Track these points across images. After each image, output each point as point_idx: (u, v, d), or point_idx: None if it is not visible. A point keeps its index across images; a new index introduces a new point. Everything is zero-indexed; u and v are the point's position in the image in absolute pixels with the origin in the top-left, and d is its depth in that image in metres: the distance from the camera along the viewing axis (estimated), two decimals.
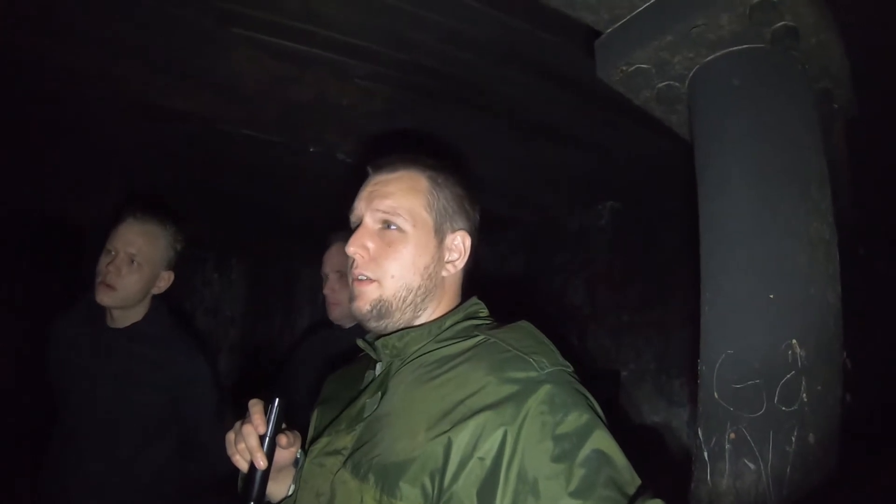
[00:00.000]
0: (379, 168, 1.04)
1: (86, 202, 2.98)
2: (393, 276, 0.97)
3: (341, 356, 1.73)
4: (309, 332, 2.44)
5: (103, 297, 1.74)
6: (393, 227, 0.98)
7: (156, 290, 1.87)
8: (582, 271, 3.02)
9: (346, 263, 1.95)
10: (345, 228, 2.00)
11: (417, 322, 1.01)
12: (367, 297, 0.97)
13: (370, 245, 0.98)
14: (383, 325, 0.99)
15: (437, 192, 1.02)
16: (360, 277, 0.98)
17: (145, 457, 1.79)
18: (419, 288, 0.98)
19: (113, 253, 1.77)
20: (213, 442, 1.87)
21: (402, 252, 0.98)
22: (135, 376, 1.78)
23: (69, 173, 2.80)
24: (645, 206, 2.79)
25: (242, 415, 0.98)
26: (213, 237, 3.50)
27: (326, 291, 2.01)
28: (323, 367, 1.84)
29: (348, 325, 2.01)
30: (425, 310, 1.02)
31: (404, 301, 0.98)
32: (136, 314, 1.85)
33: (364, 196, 1.02)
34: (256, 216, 3.31)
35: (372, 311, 0.97)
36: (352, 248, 0.98)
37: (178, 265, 1.91)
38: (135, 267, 1.77)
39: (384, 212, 0.99)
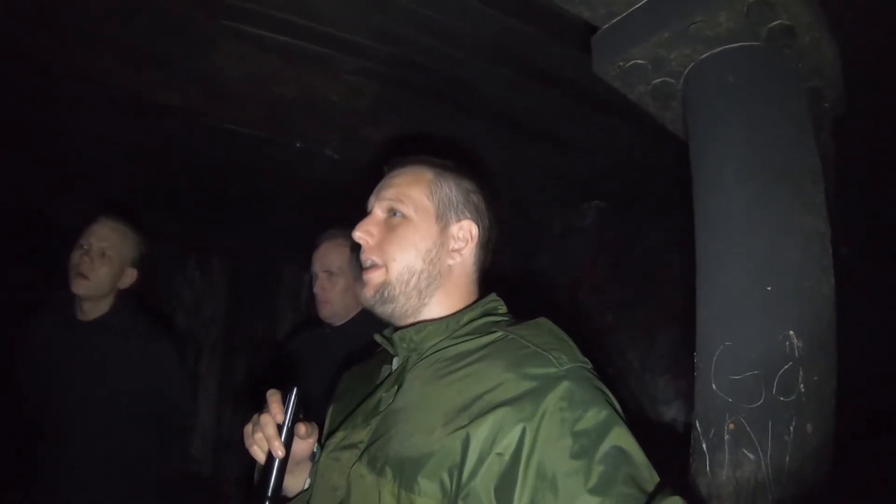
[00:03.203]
0: (391, 167, 1.09)
1: (65, 199, 2.89)
2: (395, 260, 0.99)
3: (335, 354, 1.73)
4: (298, 331, 2.40)
5: (77, 287, 1.89)
6: (398, 214, 1.02)
7: (121, 286, 2.00)
8: (565, 271, 3.04)
9: (336, 262, 1.96)
10: (332, 228, 2.00)
11: (426, 310, 1.01)
12: (372, 284, 1.00)
13: (374, 230, 1.02)
14: (389, 310, 1.00)
15: (441, 182, 1.05)
16: (366, 264, 1.01)
17: (123, 447, 1.87)
18: (422, 272, 1.00)
19: (86, 247, 1.92)
20: (184, 425, 1.94)
21: (403, 235, 1.01)
22: (104, 364, 1.88)
23: (51, 170, 2.72)
24: (630, 207, 2.82)
25: (258, 409, 0.96)
26: (194, 235, 3.43)
27: (317, 290, 1.99)
28: (317, 365, 1.82)
29: (338, 322, 1.99)
30: (432, 297, 1.02)
31: (407, 284, 0.99)
32: (104, 306, 1.97)
33: (375, 191, 1.07)
34: (239, 214, 3.25)
35: (376, 295, 0.99)
36: (357, 233, 1.02)
37: (142, 267, 2.07)
38: (105, 259, 1.93)
39: (389, 199, 1.03)
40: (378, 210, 1.04)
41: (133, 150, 2.49)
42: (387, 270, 0.99)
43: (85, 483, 1.80)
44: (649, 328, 2.64)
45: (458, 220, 1.05)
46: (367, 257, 1.01)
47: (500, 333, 0.93)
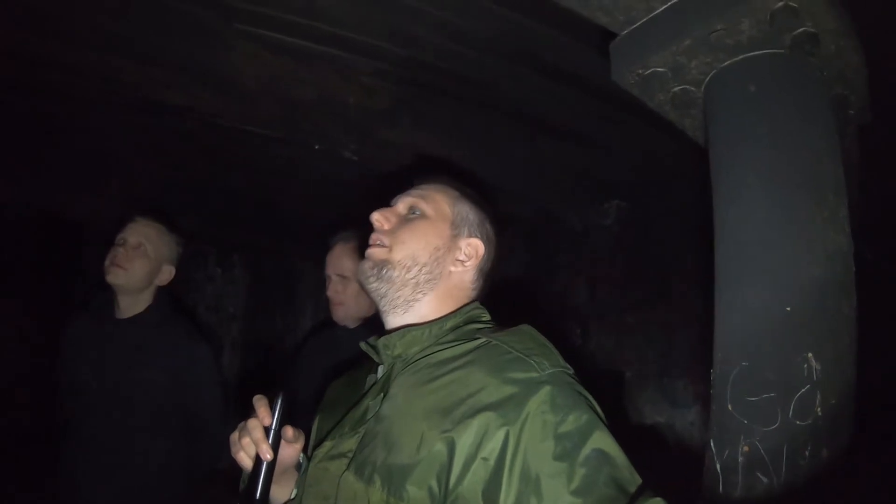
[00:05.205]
0: (421, 180, 1.17)
1: (85, 199, 2.95)
2: (404, 244, 1.05)
3: (346, 357, 1.74)
4: (312, 333, 2.43)
5: (113, 276, 1.93)
6: (417, 212, 1.09)
7: (159, 282, 2.06)
8: (585, 270, 3.00)
9: (349, 266, 1.97)
10: (347, 229, 2.01)
11: (416, 306, 1.05)
12: (373, 257, 1.05)
13: (392, 218, 1.09)
14: (383, 289, 1.04)
15: (462, 200, 1.14)
16: (374, 243, 1.06)
17: (153, 444, 1.91)
18: (424, 265, 1.04)
19: (122, 242, 1.98)
20: (216, 429, 1.97)
21: (418, 227, 1.07)
22: (139, 361, 1.92)
23: (69, 170, 2.77)
24: (650, 206, 2.77)
25: (247, 415, 0.98)
26: (215, 232, 3.47)
27: (330, 293, 2.00)
28: (328, 367, 1.84)
29: (352, 325, 2.00)
30: (426, 295, 1.05)
31: (408, 271, 1.03)
32: (141, 304, 2.01)
33: (401, 194, 1.15)
34: (259, 212, 3.28)
35: (374, 269, 1.04)
36: (375, 215, 1.08)
37: (179, 264, 2.13)
38: (142, 252, 1.98)
39: (413, 197, 1.11)
40: (400, 205, 1.11)
41: (152, 149, 2.53)
42: (389, 251, 1.04)
43: (102, 478, 1.85)
44: (668, 330, 2.60)
45: (469, 237, 1.11)
46: (377, 237, 1.06)
47: (482, 339, 0.96)
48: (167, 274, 2.07)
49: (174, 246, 2.10)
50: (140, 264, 1.97)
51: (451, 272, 1.07)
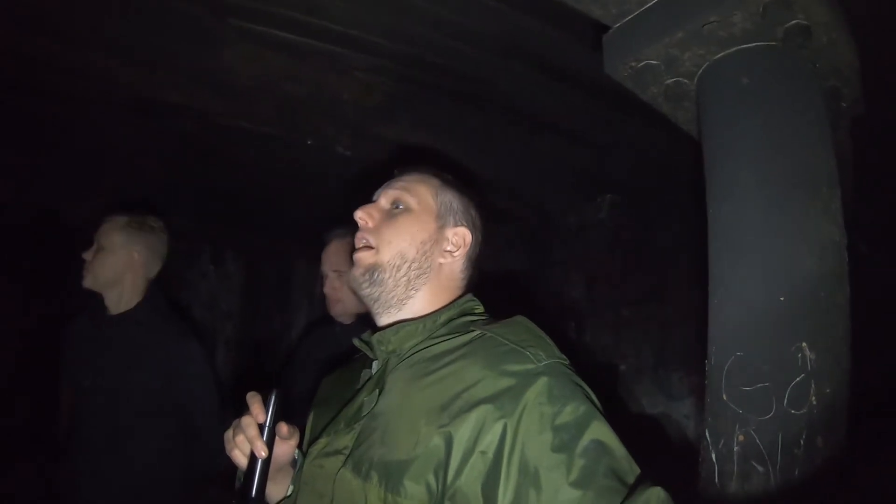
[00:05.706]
0: (402, 171, 1.15)
1: (83, 197, 2.94)
2: (390, 243, 1.03)
3: (344, 352, 1.74)
4: (309, 329, 2.43)
5: (84, 281, 1.96)
6: (400, 206, 1.07)
7: (137, 272, 2.01)
8: (581, 266, 3.01)
9: (345, 262, 1.96)
10: (342, 226, 2.01)
11: (410, 303, 1.04)
12: (362, 263, 1.03)
13: (375, 214, 1.06)
14: (376, 293, 1.03)
15: (446, 189, 1.12)
16: (359, 244, 1.05)
17: (150, 442, 1.90)
18: (413, 261, 1.03)
19: (91, 243, 2.01)
20: (211, 428, 1.94)
21: (402, 223, 1.05)
22: (130, 360, 1.91)
23: (67, 169, 2.76)
24: (645, 200, 2.78)
25: (242, 413, 0.97)
26: (209, 230, 3.46)
27: (327, 290, 2.01)
28: (325, 363, 1.84)
29: (349, 321, 2.01)
30: (418, 291, 1.04)
31: (398, 270, 1.02)
32: (126, 299, 2.00)
33: (383, 186, 1.12)
34: (253, 209, 3.26)
35: (365, 275, 1.02)
36: (359, 213, 1.06)
37: (151, 249, 2.06)
38: (101, 249, 1.98)
39: (395, 190, 1.09)
40: (383, 199, 1.09)
41: (147, 147, 2.52)
42: (377, 252, 1.02)
43: (97, 477, 1.85)
44: (664, 323, 2.61)
45: (455, 226, 1.09)
46: (363, 236, 1.04)
47: (477, 332, 0.95)
48: (135, 260, 2.00)
49: (135, 232, 2.02)
50: (99, 260, 1.96)
51: (440, 264, 1.06)
